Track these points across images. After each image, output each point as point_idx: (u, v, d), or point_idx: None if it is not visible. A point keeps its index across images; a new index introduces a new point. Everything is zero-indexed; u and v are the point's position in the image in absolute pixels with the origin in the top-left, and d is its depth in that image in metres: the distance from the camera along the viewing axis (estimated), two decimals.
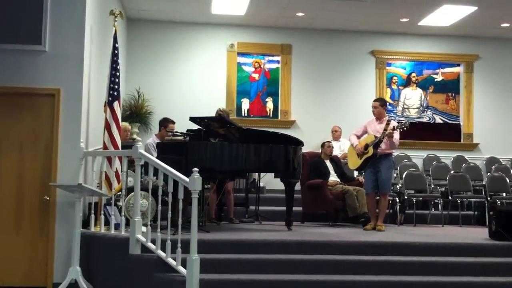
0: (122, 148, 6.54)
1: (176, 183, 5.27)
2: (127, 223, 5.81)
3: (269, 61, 11.30)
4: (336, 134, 10.48)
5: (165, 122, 7.75)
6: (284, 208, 7.28)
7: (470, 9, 9.81)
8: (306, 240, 6.10)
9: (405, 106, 11.56)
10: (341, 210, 8.28)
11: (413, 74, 11.61)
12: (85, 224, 6.26)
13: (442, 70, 11.68)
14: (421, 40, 11.43)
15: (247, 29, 11.03)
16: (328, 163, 8.72)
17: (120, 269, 5.62)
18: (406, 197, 8.77)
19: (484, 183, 9.71)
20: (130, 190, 6.08)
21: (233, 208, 7.96)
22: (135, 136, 9.31)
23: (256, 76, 11.26)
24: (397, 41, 11.42)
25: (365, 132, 7.71)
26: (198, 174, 5.03)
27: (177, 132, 7.60)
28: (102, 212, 6.20)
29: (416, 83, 11.61)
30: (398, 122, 7.64)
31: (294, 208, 7.35)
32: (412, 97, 11.59)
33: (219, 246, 5.74)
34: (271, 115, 11.23)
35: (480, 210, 9.05)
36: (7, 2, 6.36)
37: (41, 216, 6.31)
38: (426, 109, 11.60)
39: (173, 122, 7.76)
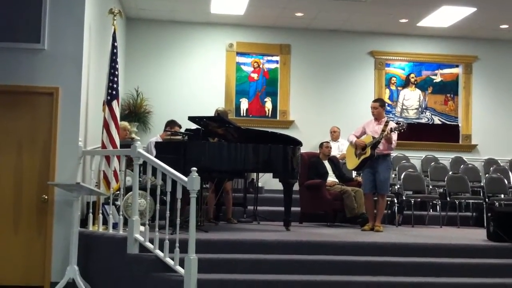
0: (120, 147, 6.53)
1: (174, 183, 5.26)
2: (125, 223, 5.80)
3: (268, 61, 11.30)
4: (335, 134, 10.49)
5: (172, 124, 7.81)
6: (282, 208, 7.27)
7: (469, 10, 9.81)
8: (304, 241, 6.10)
9: (404, 107, 11.57)
10: (339, 211, 8.28)
11: (412, 75, 11.62)
12: (83, 223, 6.25)
13: (441, 71, 11.69)
14: (420, 41, 11.44)
15: (246, 29, 11.03)
16: (326, 163, 8.72)
17: (118, 268, 5.61)
18: (404, 198, 8.76)
19: (482, 184, 9.72)
20: (128, 189, 6.07)
21: (232, 208, 7.95)
22: (133, 135, 9.30)
23: (255, 76, 11.26)
24: (396, 42, 11.42)
25: (363, 133, 7.71)
26: (196, 174, 5.03)
27: (175, 131, 7.63)
28: (100, 211, 6.19)
29: (415, 84, 11.62)
30: (396, 123, 7.64)
31: (293, 208, 7.34)
32: (411, 98, 11.60)
33: (217, 246, 5.74)
34: (269, 115, 11.23)
35: (478, 212, 9.04)
36: (7, 0, 6.34)
37: (39, 215, 6.29)
38: (424, 110, 11.60)
39: (180, 126, 7.80)
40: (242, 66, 11.21)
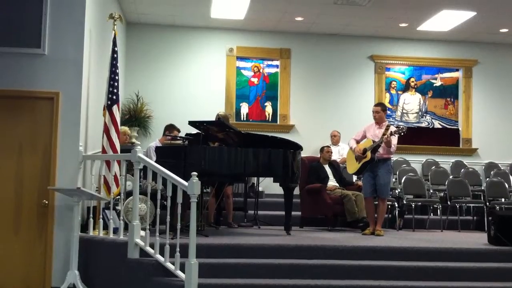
0: (121, 152, 6.53)
1: (175, 187, 5.26)
2: (126, 227, 5.80)
3: (268, 66, 11.31)
4: (335, 138, 10.49)
5: (171, 128, 7.81)
6: (282, 212, 7.27)
7: (469, 14, 9.82)
8: (305, 245, 6.09)
9: (404, 111, 11.57)
10: (340, 215, 8.26)
11: (412, 79, 11.63)
12: (84, 228, 6.25)
13: (441, 75, 11.70)
14: (420, 45, 11.45)
15: (246, 34, 11.04)
16: (327, 167, 8.72)
17: (119, 273, 5.60)
18: (405, 202, 8.76)
19: (483, 188, 9.72)
20: (129, 194, 6.07)
21: (232, 213, 7.95)
22: (134, 140, 9.31)
23: (255, 80, 11.27)
24: (396, 46, 11.43)
25: (364, 136, 7.71)
26: (197, 178, 5.03)
27: (176, 136, 7.63)
28: (101, 216, 6.19)
29: (415, 88, 11.63)
30: (396, 127, 7.64)
31: (293, 213, 7.34)
32: (411, 102, 11.60)
33: (218, 250, 5.74)
34: (270, 120, 11.23)
35: (479, 215, 9.04)
36: (7, 5, 6.35)
37: (39, 220, 6.28)
38: (425, 114, 11.61)
39: (179, 130, 7.81)
40: (242, 71, 11.22)
